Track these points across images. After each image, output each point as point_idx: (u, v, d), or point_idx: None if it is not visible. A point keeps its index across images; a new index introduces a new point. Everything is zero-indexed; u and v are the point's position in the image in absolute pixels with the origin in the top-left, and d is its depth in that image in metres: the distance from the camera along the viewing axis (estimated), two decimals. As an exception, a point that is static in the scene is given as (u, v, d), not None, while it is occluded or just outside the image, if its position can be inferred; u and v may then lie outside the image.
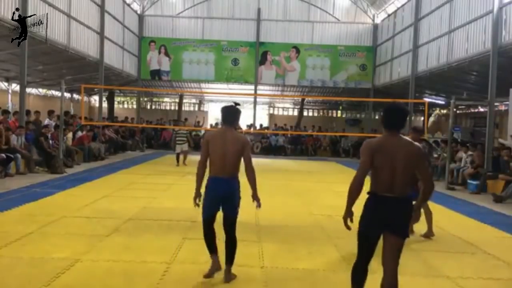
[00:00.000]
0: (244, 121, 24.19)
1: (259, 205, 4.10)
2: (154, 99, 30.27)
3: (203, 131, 22.77)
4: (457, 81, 18.08)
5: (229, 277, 4.05)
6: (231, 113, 4.09)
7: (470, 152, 12.19)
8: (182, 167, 13.51)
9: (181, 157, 13.88)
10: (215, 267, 4.04)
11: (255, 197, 4.07)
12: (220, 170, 3.93)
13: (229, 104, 4.16)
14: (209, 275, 4.01)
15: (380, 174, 3.13)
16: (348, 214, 3.20)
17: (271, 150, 21.04)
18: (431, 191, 3.28)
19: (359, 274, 3.27)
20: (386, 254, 3.17)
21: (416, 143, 3.26)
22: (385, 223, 3.11)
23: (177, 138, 13.84)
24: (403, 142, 3.17)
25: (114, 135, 17.90)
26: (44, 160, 11.17)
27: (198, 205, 4.05)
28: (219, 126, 4.36)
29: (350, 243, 5.55)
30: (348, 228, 3.19)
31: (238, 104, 4.17)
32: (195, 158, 18.51)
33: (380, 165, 3.12)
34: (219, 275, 4.09)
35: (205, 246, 4.06)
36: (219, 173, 3.94)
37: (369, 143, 3.21)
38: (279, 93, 26.41)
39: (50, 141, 11.83)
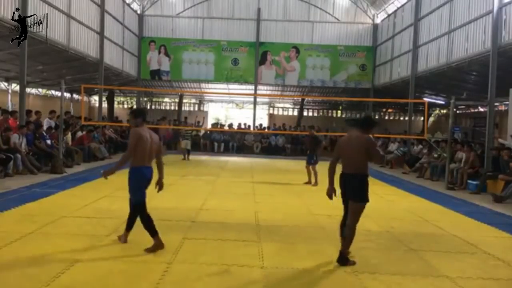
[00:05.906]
0: (244, 121, 24.26)
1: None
2: (154, 99, 30.26)
3: (202, 131, 22.76)
4: (457, 81, 18.07)
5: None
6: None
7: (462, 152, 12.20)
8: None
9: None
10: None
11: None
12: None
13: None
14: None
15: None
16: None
17: (271, 150, 21.03)
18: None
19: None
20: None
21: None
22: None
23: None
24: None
25: (114, 135, 17.89)
26: (43, 160, 11.16)
27: None
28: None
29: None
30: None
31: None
32: (196, 157, 18.40)
33: None
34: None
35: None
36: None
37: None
38: (279, 93, 26.39)
39: (49, 141, 11.80)
